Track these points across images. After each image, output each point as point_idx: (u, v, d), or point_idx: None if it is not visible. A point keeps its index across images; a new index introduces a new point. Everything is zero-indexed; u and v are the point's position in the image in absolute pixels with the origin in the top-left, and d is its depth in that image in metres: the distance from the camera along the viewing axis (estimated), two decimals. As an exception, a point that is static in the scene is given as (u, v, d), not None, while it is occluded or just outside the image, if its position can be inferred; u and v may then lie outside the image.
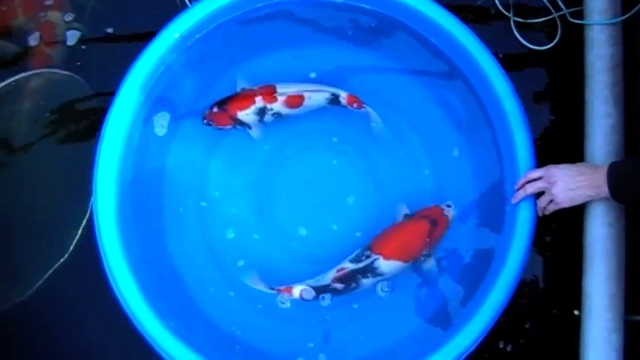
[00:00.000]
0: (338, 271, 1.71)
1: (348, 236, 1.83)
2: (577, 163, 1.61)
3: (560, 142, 1.87)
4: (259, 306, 1.80)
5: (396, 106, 1.90)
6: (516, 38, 1.95)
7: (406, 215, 1.79)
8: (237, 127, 1.86)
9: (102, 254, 1.71)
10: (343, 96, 1.83)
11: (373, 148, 1.89)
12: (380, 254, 1.70)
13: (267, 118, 1.84)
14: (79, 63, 2.00)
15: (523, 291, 1.66)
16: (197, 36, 1.88)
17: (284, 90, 1.82)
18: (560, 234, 1.78)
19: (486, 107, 1.84)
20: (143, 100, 1.84)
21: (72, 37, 2.02)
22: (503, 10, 1.95)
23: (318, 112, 1.87)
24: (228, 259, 1.85)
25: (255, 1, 1.89)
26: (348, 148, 1.90)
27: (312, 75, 1.91)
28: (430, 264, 1.77)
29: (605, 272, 1.61)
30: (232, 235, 1.86)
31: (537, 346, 1.66)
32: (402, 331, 1.79)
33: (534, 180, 1.65)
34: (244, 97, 1.83)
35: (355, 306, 1.80)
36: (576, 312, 1.65)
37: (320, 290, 1.71)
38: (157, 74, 1.86)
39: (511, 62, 1.94)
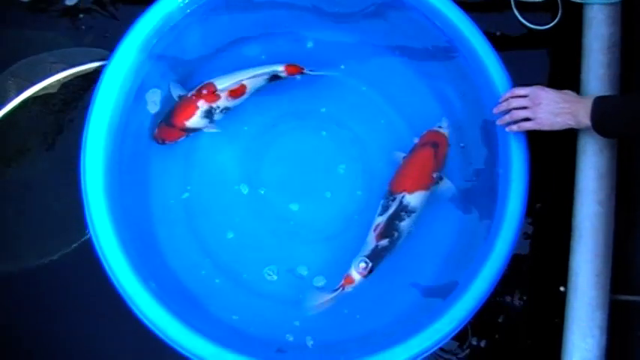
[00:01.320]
0: (375, 229, 1.71)
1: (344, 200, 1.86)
2: (563, 90, 1.62)
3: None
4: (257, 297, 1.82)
5: (377, 82, 1.92)
6: (516, 18, 1.94)
7: (404, 156, 1.81)
8: (191, 134, 1.84)
9: (88, 217, 1.69)
10: (281, 69, 1.83)
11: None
12: (404, 191, 1.72)
13: (217, 116, 1.83)
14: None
15: (510, 266, 1.67)
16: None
17: (223, 85, 1.80)
18: (547, 213, 1.79)
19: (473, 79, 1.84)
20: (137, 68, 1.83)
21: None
22: (503, -11, 1.94)
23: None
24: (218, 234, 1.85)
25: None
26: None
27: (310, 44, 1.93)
28: (446, 184, 1.80)
29: (593, 250, 1.62)
30: (223, 214, 1.87)
31: (522, 320, 1.66)
32: (399, 306, 1.80)
33: (519, 97, 1.66)
34: (187, 106, 1.81)
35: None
36: (562, 288, 1.66)
37: (372, 257, 1.69)
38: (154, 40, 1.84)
39: (511, 42, 1.95)
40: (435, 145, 1.78)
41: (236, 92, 1.81)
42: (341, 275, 1.70)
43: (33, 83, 1.87)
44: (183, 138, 1.84)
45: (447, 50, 1.88)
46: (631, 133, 1.57)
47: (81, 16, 2.01)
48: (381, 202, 1.76)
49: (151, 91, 1.88)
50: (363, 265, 1.68)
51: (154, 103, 1.87)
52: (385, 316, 1.79)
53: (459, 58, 1.86)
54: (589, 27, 1.74)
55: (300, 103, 1.93)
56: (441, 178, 1.79)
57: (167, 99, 1.87)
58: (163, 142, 1.83)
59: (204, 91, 1.80)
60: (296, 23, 1.95)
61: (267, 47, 1.93)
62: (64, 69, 1.89)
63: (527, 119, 1.64)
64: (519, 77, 1.77)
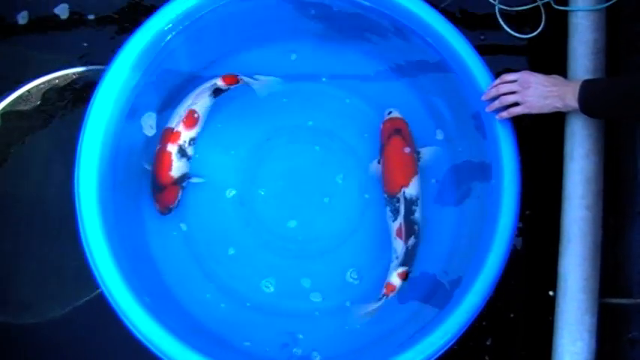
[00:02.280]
0: (398, 235, 1.72)
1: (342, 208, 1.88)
2: (552, 75, 1.63)
3: (542, 128, 1.88)
4: (248, 304, 1.82)
5: (362, 92, 1.94)
6: (501, 26, 1.96)
7: (379, 160, 1.83)
8: (189, 180, 1.84)
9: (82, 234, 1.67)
10: (219, 82, 1.82)
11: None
12: (402, 187, 1.74)
13: (190, 150, 1.83)
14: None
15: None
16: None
17: (175, 121, 1.80)
18: (535, 219, 1.79)
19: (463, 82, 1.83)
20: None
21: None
22: (488, -2, 1.96)
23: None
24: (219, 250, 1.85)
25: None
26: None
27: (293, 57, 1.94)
28: (428, 152, 1.84)
29: (581, 254, 1.63)
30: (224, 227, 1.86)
31: (512, 325, 1.66)
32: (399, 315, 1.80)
33: (508, 83, 1.67)
34: (161, 158, 1.80)
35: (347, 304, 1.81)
36: (551, 293, 1.66)
37: (408, 260, 1.70)
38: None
39: (495, 50, 1.97)
40: (398, 131, 1.81)
41: (190, 120, 1.80)
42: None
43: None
44: (180, 193, 1.83)
45: (436, 63, 1.88)
46: (617, 113, 1.59)
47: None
48: (387, 208, 1.77)
49: (146, 114, 1.86)
50: (402, 270, 1.69)
51: (150, 127, 1.86)
52: (379, 329, 1.78)
53: (447, 68, 1.86)
54: (574, 33, 1.76)
55: (284, 120, 1.93)
56: (418, 152, 1.82)
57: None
58: (169, 209, 1.83)
59: (166, 137, 1.80)
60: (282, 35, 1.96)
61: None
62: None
63: (516, 104, 1.65)
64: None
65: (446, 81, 1.86)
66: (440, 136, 1.89)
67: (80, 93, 1.93)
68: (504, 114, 1.68)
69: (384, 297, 1.68)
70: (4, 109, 1.88)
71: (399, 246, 1.72)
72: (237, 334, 1.78)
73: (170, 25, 1.81)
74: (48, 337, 1.85)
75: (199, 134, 1.85)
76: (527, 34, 1.95)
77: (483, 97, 1.72)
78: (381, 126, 1.85)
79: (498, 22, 1.95)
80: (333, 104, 1.93)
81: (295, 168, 1.90)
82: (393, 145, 1.80)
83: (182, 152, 1.80)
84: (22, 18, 1.99)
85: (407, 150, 1.80)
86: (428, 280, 1.80)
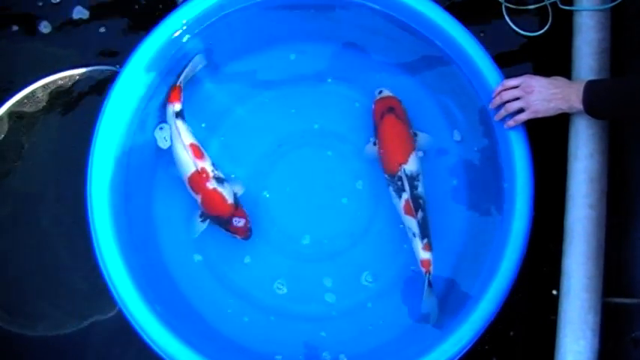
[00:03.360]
0: (406, 212, 1.74)
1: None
2: (554, 77, 1.64)
3: (547, 127, 1.88)
4: (272, 318, 1.84)
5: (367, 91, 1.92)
6: (508, 24, 1.96)
7: (374, 142, 1.85)
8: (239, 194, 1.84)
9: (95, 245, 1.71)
10: (176, 107, 1.83)
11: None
12: (401, 165, 1.75)
13: (219, 172, 1.82)
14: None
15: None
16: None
17: (191, 162, 1.78)
18: (539, 217, 1.80)
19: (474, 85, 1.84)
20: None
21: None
22: (495, -4, 1.96)
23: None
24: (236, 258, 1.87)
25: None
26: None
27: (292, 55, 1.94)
28: (423, 138, 1.85)
29: (585, 253, 1.63)
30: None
31: (515, 324, 1.67)
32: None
33: (511, 89, 1.68)
34: (214, 201, 1.78)
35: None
36: (554, 292, 1.67)
37: (423, 232, 1.72)
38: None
39: (502, 48, 1.96)
40: (392, 109, 1.81)
41: (197, 152, 1.80)
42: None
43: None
44: (244, 209, 1.82)
45: (441, 59, 1.88)
46: (622, 114, 1.60)
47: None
48: (390, 188, 1.79)
49: (159, 127, 1.87)
50: (425, 243, 1.71)
51: (164, 139, 1.86)
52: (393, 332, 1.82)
53: (454, 66, 1.87)
54: (579, 32, 1.76)
55: (294, 125, 1.93)
56: (415, 134, 1.83)
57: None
58: (249, 229, 1.81)
59: (196, 181, 1.78)
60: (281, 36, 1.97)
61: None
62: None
63: (521, 110, 1.66)
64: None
65: (452, 78, 1.88)
66: (457, 137, 1.90)
67: (86, 93, 1.95)
68: (511, 122, 1.69)
69: (427, 275, 1.70)
70: (9, 108, 1.91)
71: (412, 222, 1.73)
72: (265, 346, 1.81)
73: (185, 27, 1.83)
74: (63, 350, 1.88)
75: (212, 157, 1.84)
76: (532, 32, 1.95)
77: (490, 106, 1.74)
78: (373, 106, 1.85)
79: (505, 19, 1.95)
80: (341, 106, 1.93)
81: (308, 172, 1.91)
82: (387, 123, 1.81)
83: (218, 179, 1.80)
84: (45, 27, 2.02)
85: (402, 127, 1.81)
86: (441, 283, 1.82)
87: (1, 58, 2.00)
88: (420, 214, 1.73)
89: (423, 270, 1.71)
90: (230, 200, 1.79)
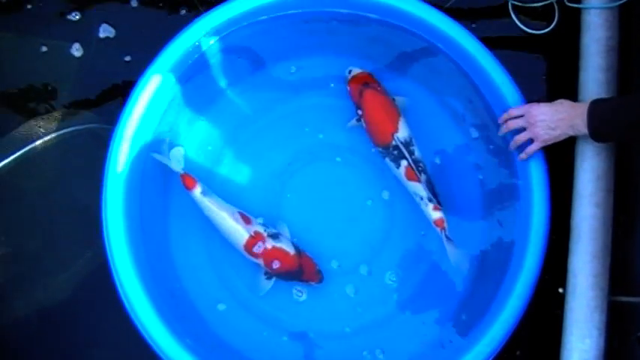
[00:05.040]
0: (409, 179, 1.77)
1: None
2: (557, 101, 1.62)
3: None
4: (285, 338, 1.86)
5: None
6: (514, 22, 1.96)
7: (357, 119, 1.86)
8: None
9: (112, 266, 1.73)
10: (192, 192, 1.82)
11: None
12: (393, 133, 1.78)
13: (270, 229, 1.82)
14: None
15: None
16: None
17: (241, 228, 1.78)
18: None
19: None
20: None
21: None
22: (501, -6, 1.96)
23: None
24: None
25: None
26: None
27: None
28: (401, 101, 1.87)
29: (591, 252, 1.63)
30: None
31: (521, 322, 1.67)
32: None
33: (516, 118, 1.68)
34: (278, 259, 1.79)
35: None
36: (561, 290, 1.67)
37: (431, 194, 1.74)
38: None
39: (508, 46, 1.96)
40: (367, 84, 1.84)
41: (245, 218, 1.80)
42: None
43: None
44: (311, 257, 1.83)
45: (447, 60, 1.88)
46: (628, 138, 1.59)
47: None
48: (387, 160, 1.81)
49: (175, 149, 1.88)
50: (434, 205, 1.74)
51: (177, 161, 1.86)
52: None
53: (461, 69, 1.87)
54: (586, 30, 1.75)
55: (302, 139, 1.94)
56: (394, 99, 1.85)
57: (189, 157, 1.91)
58: (321, 273, 1.84)
59: (257, 242, 1.78)
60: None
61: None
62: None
63: (531, 139, 1.66)
64: (518, 81, 1.78)
65: (458, 79, 1.88)
66: (475, 134, 1.92)
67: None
68: (523, 156, 1.70)
69: (443, 232, 1.72)
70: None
71: (417, 186, 1.76)
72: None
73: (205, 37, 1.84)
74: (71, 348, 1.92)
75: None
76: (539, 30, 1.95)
77: (499, 134, 1.74)
78: (348, 87, 1.87)
79: (512, 17, 1.95)
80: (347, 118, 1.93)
81: (321, 184, 1.93)
82: (368, 98, 1.83)
83: (273, 236, 1.80)
84: (77, 50, 2.05)
85: (384, 98, 1.83)
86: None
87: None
88: (423, 176, 1.76)
89: (438, 229, 1.73)
90: (292, 251, 1.79)
